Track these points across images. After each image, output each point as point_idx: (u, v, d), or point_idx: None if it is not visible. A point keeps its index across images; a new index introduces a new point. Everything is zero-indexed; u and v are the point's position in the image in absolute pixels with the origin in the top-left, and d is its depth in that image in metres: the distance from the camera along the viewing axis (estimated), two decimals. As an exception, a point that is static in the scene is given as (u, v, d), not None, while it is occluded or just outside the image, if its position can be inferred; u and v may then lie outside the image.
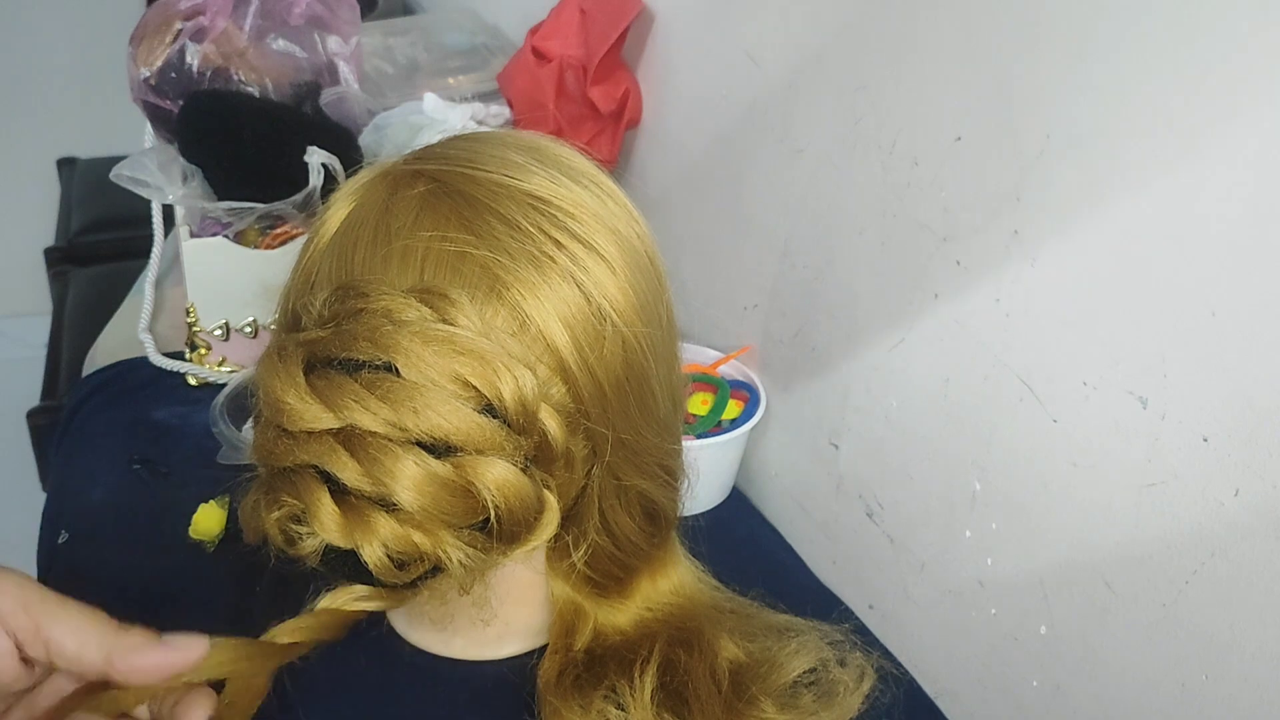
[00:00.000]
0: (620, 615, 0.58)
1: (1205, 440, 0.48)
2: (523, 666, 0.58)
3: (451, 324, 0.45)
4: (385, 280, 0.47)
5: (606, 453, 0.50)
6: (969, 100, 0.60)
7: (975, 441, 0.62)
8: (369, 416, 0.44)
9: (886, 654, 0.67)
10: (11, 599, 0.41)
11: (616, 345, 0.49)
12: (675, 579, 0.60)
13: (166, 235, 1.05)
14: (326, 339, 0.45)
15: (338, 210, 0.52)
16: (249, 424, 0.79)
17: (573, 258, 0.48)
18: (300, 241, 0.88)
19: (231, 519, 0.71)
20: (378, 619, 0.63)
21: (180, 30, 0.92)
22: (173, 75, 0.92)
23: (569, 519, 0.52)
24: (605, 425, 0.49)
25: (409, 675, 0.60)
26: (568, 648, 0.56)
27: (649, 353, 0.51)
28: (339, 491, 0.44)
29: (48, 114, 2.08)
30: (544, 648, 0.58)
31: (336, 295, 0.47)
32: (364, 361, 0.45)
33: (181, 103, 0.91)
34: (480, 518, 0.45)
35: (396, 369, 0.44)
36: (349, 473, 0.43)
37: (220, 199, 0.87)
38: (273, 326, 0.58)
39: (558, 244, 0.48)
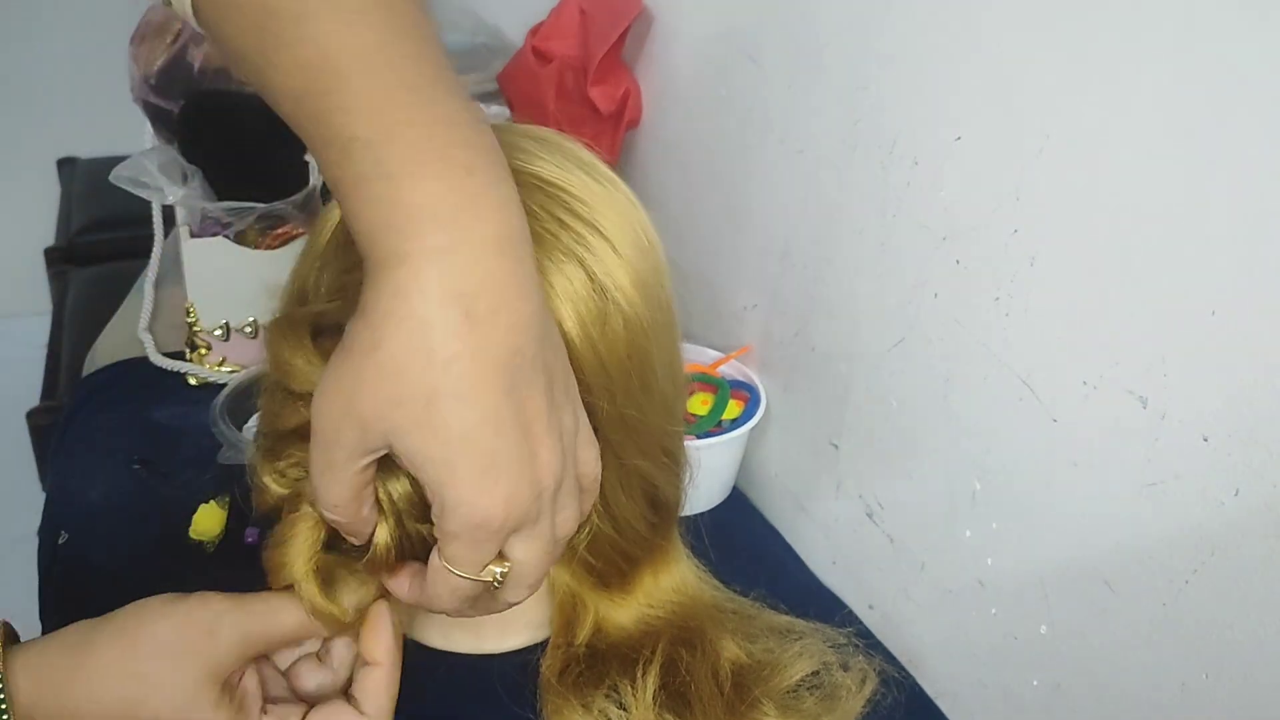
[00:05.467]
0: (622, 612, 0.58)
1: (1205, 440, 0.48)
2: (525, 662, 0.59)
3: None
4: None
5: (609, 431, 0.51)
6: (969, 100, 0.60)
7: (975, 441, 0.62)
8: None
9: (890, 658, 0.67)
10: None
11: (619, 323, 0.50)
12: (677, 577, 0.60)
13: (166, 235, 1.05)
14: (334, 309, 0.47)
15: None
16: (249, 424, 0.79)
17: (577, 237, 0.49)
18: (301, 242, 0.88)
19: (231, 519, 0.71)
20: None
21: (181, 30, 0.92)
22: (173, 75, 0.92)
23: None
24: (608, 402, 0.50)
25: (409, 670, 0.60)
26: (569, 642, 0.56)
27: (651, 333, 0.51)
28: None
29: (48, 114, 2.08)
30: (546, 642, 0.58)
31: (343, 268, 0.48)
32: None
33: (182, 103, 0.91)
34: None
35: None
36: None
37: (220, 199, 0.87)
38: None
39: (562, 224, 0.49)
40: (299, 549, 0.47)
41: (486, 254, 0.40)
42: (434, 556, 0.45)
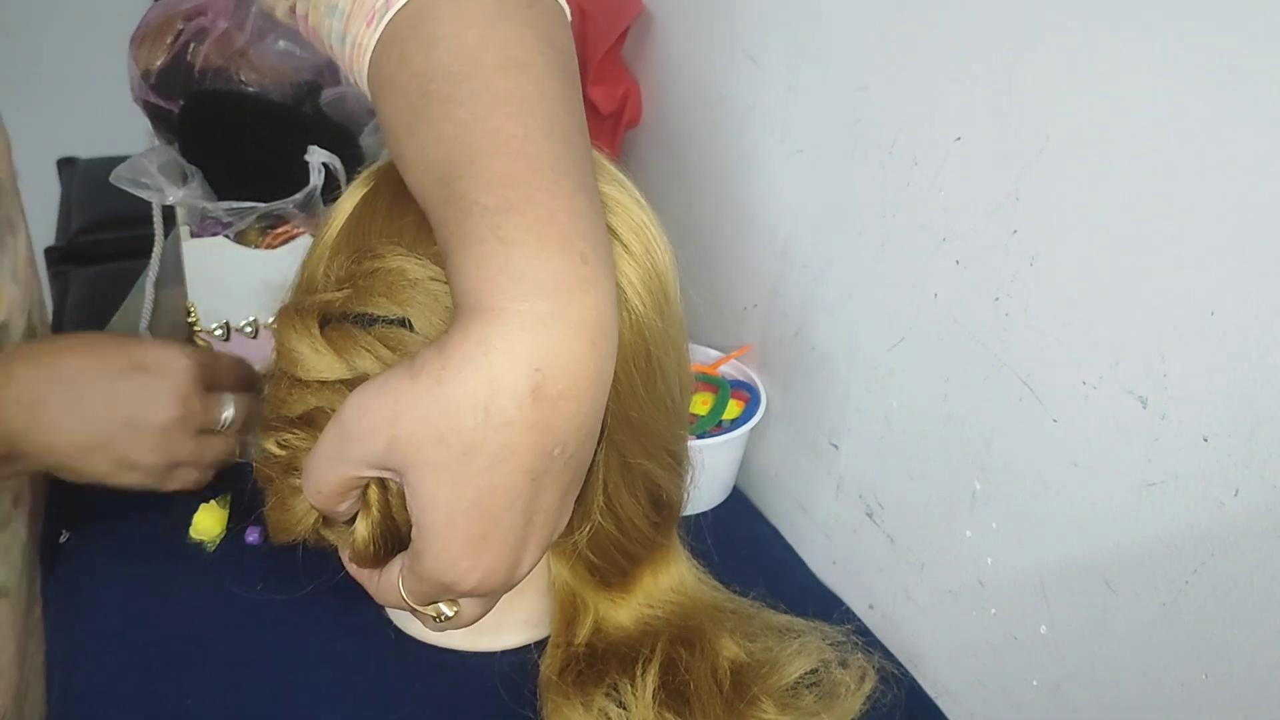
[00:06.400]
0: (622, 611, 0.58)
1: (1205, 440, 0.48)
2: (523, 661, 0.59)
3: None
4: (401, 245, 0.48)
5: (613, 430, 0.51)
6: (969, 100, 0.60)
7: (975, 441, 0.62)
8: (380, 366, 0.45)
9: (888, 655, 0.67)
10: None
11: (626, 324, 0.50)
12: (677, 576, 0.60)
13: (166, 235, 1.05)
14: (343, 298, 0.47)
15: (356, 190, 0.54)
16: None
17: None
18: (300, 241, 0.88)
19: (232, 519, 0.71)
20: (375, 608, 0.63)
21: (181, 30, 0.92)
22: (173, 75, 0.92)
23: None
24: (613, 400, 0.50)
25: (406, 667, 0.60)
26: (569, 642, 0.56)
27: (659, 336, 0.52)
28: None
29: (48, 114, 2.08)
30: (544, 641, 0.58)
31: (352, 258, 0.49)
32: (378, 316, 0.46)
33: (182, 103, 0.91)
34: None
35: (410, 323, 0.46)
36: None
37: (220, 199, 0.87)
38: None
39: None
40: (302, 513, 0.49)
41: (577, 339, 0.40)
42: (391, 571, 0.46)
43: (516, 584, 0.46)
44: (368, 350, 0.46)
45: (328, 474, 0.43)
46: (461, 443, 0.39)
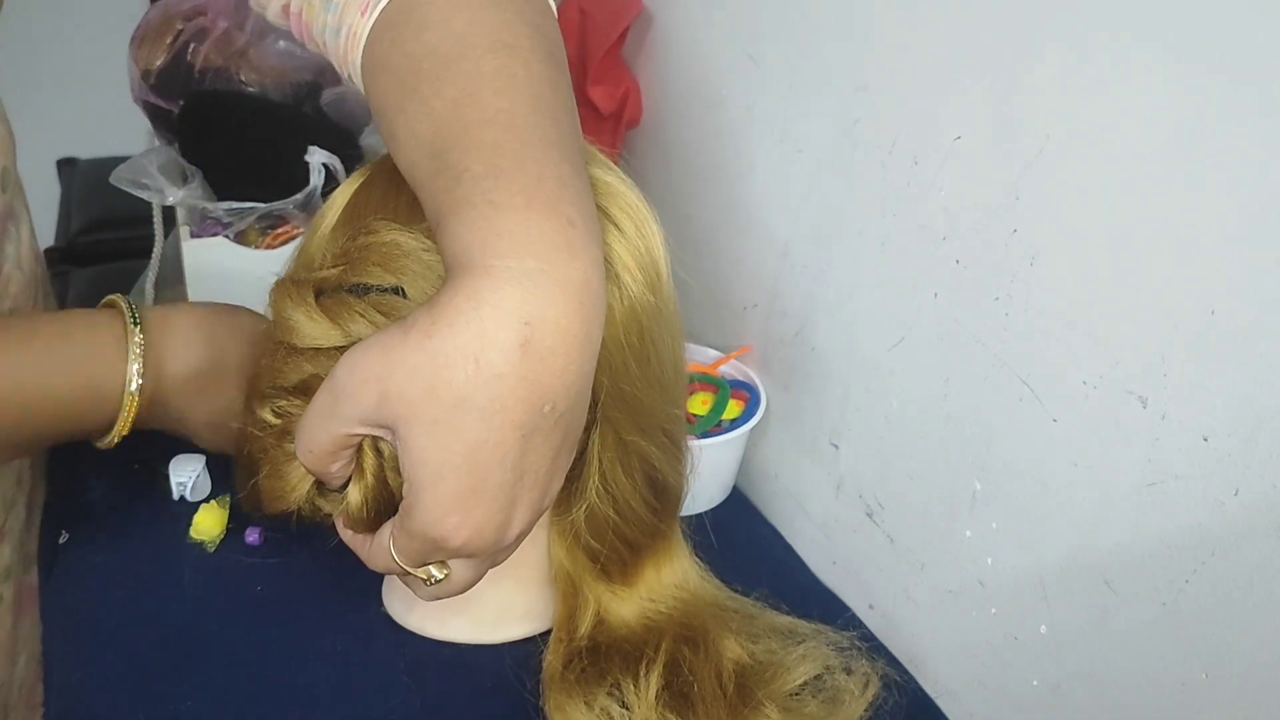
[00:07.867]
0: (625, 605, 0.58)
1: (1205, 440, 0.48)
2: (526, 655, 0.59)
3: None
4: (395, 221, 0.49)
5: (608, 408, 0.51)
6: (969, 100, 0.60)
7: (975, 441, 0.62)
8: (374, 331, 0.46)
9: (892, 660, 0.67)
10: None
11: (618, 300, 0.51)
12: (680, 572, 0.60)
13: (166, 235, 1.05)
14: (338, 273, 0.48)
15: (352, 182, 0.55)
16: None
17: None
18: (300, 241, 0.88)
19: (232, 519, 0.71)
20: (373, 603, 0.63)
21: (181, 30, 0.92)
22: (173, 75, 0.92)
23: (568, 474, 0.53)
24: (607, 377, 0.50)
25: (406, 662, 0.60)
26: (571, 635, 0.56)
27: (652, 312, 0.52)
28: None
29: (48, 114, 2.08)
30: (544, 634, 0.58)
31: (348, 235, 0.50)
32: (372, 285, 0.47)
33: (182, 103, 0.91)
34: None
35: (403, 291, 0.46)
36: None
37: (220, 199, 0.87)
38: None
39: None
40: (296, 480, 0.49)
41: (565, 298, 0.41)
42: (382, 534, 0.46)
43: (507, 548, 0.46)
44: (362, 315, 0.47)
45: (319, 433, 0.44)
46: (451, 395, 0.40)
